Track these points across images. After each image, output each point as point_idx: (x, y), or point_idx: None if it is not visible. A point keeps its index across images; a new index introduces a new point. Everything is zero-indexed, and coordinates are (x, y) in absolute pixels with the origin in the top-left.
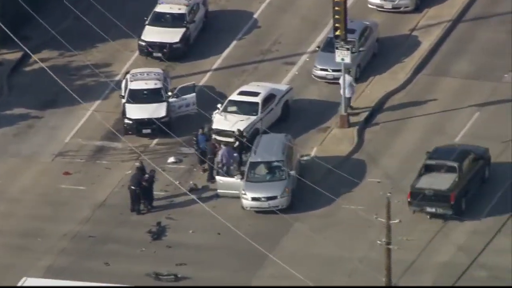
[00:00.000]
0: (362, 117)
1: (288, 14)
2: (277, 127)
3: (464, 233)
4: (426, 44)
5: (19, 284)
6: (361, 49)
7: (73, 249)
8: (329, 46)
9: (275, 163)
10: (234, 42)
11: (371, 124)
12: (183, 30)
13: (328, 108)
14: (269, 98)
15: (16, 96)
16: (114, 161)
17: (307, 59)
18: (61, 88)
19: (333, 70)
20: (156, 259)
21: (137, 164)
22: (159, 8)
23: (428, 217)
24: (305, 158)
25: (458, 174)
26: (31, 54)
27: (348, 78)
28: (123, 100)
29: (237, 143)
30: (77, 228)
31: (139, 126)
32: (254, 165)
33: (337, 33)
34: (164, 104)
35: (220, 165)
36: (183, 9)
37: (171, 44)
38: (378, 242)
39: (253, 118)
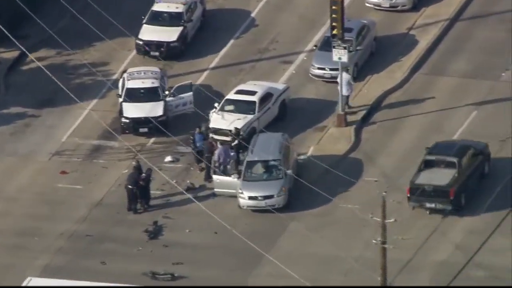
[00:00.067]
0: (359, 116)
1: (285, 13)
2: (274, 126)
3: (462, 232)
4: (423, 43)
5: (24, 284)
6: (358, 48)
7: (70, 248)
8: (326, 45)
9: (272, 162)
10: (232, 41)
11: (368, 123)
12: (180, 29)
13: (326, 107)
14: (266, 97)
15: (13, 95)
16: (111, 160)
17: (305, 58)
18: (58, 87)
19: (331, 69)
20: (153, 258)
21: (134, 163)
22: (157, 7)
23: (428, 212)
24: (302, 157)
25: (457, 170)
26: (28, 53)
27: (346, 76)
28: (120, 99)
29: (236, 141)
30: (74, 227)
31: (136, 125)
32: (251, 164)
33: (334, 32)
34: (161, 103)
35: (217, 164)
36: (180, 8)
37: (168, 43)
38: (374, 241)
39: (250, 117)
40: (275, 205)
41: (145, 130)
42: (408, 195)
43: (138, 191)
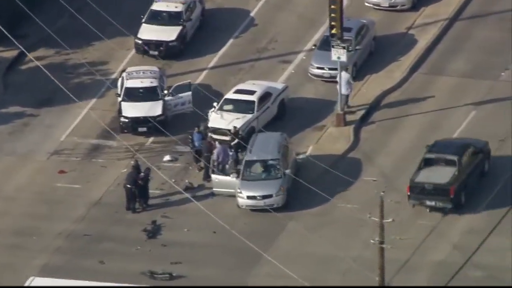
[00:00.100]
0: (358, 115)
1: (284, 12)
2: (273, 126)
3: (460, 231)
4: (422, 42)
5: (26, 283)
6: (357, 47)
7: (68, 247)
8: (325, 45)
9: (271, 162)
10: (231, 41)
11: (367, 123)
12: (179, 28)
13: (325, 107)
14: (265, 96)
15: (12, 94)
16: (109, 160)
17: (304, 58)
18: (57, 86)
19: (330, 69)
20: (151, 258)
21: (133, 162)
22: (156, 6)
23: (428, 210)
24: (300, 156)
25: (457, 168)
26: (26, 53)
27: (346, 75)
28: (119, 99)
29: (236, 140)
30: (72, 226)
31: (135, 124)
32: (249, 163)
33: (333, 31)
34: (160, 103)
35: (215, 164)
36: (179, 7)
37: (167, 42)
38: (371, 241)
39: (249, 116)
40: (273, 204)
41: (144, 129)
42: (408, 193)
43: (137, 190)
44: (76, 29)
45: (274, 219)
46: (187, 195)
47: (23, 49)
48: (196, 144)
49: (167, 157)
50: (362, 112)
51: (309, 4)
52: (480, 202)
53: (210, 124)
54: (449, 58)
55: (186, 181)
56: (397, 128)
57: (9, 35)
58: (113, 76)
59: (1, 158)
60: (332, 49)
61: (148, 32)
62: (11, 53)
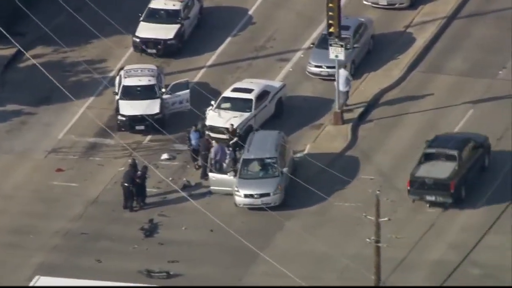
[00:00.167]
0: (356, 114)
1: (283, 11)
2: (270, 124)
3: (458, 229)
4: (420, 41)
5: (32, 283)
6: (355, 45)
7: (65, 246)
8: (323, 43)
9: (268, 160)
10: (229, 39)
11: (365, 121)
12: (177, 26)
13: (322, 105)
14: (263, 95)
15: (10, 92)
16: (107, 158)
17: (302, 56)
18: (55, 84)
19: (328, 67)
20: (149, 256)
21: (130, 161)
22: (154, 4)
23: (428, 205)
24: (298, 155)
25: (458, 163)
26: (24, 51)
27: (345, 72)
28: (117, 97)
29: (235, 138)
30: (69, 225)
31: (133, 122)
32: (247, 162)
33: (331, 30)
34: (158, 101)
35: (213, 162)
36: (177, 5)
37: (165, 40)
38: (367, 240)
39: (246, 115)
40: (271, 203)
41: (142, 127)
42: (408, 187)
43: (134, 189)
44: (74, 27)
45: (272, 218)
46: (184, 194)
47: (20, 48)
48: (193, 142)
49: (164, 156)
50: (360, 111)
51: (308, 2)
52: (480, 197)
53: (207, 122)
54: (447, 57)
55: (184, 179)
56: (395, 126)
57: (6, 34)
58: (111, 74)
59: None
60: (330, 47)
61: (146, 30)
62: (9, 51)
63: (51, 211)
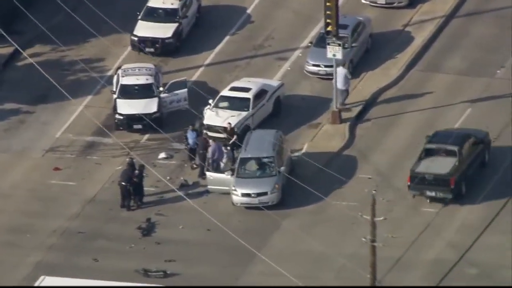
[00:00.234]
0: (354, 113)
1: (281, 9)
2: (268, 123)
3: (455, 229)
4: (419, 40)
5: (37, 283)
6: (353, 44)
7: (62, 245)
8: (321, 42)
9: (266, 159)
10: (227, 38)
11: (363, 120)
12: (175, 25)
13: (320, 104)
14: (261, 93)
15: (8, 91)
16: (104, 157)
17: (300, 55)
18: (53, 83)
19: (326, 66)
20: (146, 255)
21: (128, 160)
22: (152, 3)
23: (428, 201)
24: (296, 154)
25: (458, 158)
26: (21, 50)
27: (343, 70)
28: (115, 96)
29: (234, 137)
30: (67, 224)
31: (130, 121)
32: (244, 161)
33: (329, 28)
34: (156, 100)
35: (210, 161)
36: (175, 4)
37: (163, 39)
38: (363, 239)
39: (244, 113)
40: (268, 202)
41: (139, 126)
42: (409, 183)
43: (132, 187)
44: (73, 25)
45: (269, 217)
46: (181, 193)
47: (17, 47)
48: (190, 142)
49: (162, 155)
50: (357, 110)
51: (306, 1)
52: (480, 193)
53: (205, 121)
54: (446, 56)
55: (181, 178)
56: (393, 125)
57: (3, 33)
58: (109, 73)
59: None
60: (328, 46)
61: (144, 29)
62: (7, 50)
63: (48, 210)
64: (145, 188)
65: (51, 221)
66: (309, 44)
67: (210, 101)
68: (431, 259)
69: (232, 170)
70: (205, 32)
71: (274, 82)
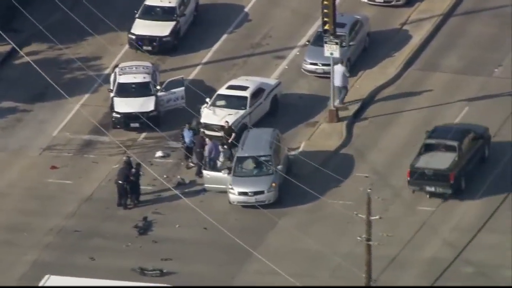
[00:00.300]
0: (351, 111)
1: (279, 8)
2: (265, 122)
3: (452, 227)
4: (416, 38)
5: (42, 282)
6: (351, 43)
7: (59, 243)
8: (319, 40)
9: (262, 158)
10: (225, 36)
11: (360, 119)
12: (173, 23)
13: (318, 103)
14: (258, 92)
15: (5, 89)
16: (101, 155)
17: (298, 53)
18: (50, 81)
19: (323, 64)
20: (142, 254)
21: (125, 158)
22: (149, 1)
23: (428, 196)
24: (293, 153)
25: (457, 153)
26: (17, 49)
27: (341, 68)
28: (112, 94)
29: (233, 136)
30: (63, 222)
31: (127, 120)
32: (241, 159)
33: (326, 27)
34: (153, 98)
35: (207, 160)
36: (173, 2)
37: (161, 37)
38: (358, 238)
39: (241, 112)
40: (265, 201)
41: (136, 125)
42: (408, 178)
43: (129, 186)
44: (70, 23)
45: (266, 216)
46: (177, 192)
47: (14, 45)
48: (187, 140)
49: (159, 153)
50: (355, 108)
51: None
52: (479, 188)
53: (202, 120)
54: (443, 54)
55: (178, 177)
56: (390, 124)
57: (0, 31)
58: (106, 72)
59: None
60: (325, 45)
61: (142, 27)
62: (4, 48)
63: (45, 209)
64: (141, 187)
65: (48, 219)
66: (307, 43)
67: (207, 99)
68: (427, 257)
69: (229, 169)
70: (203, 31)
71: (272, 81)
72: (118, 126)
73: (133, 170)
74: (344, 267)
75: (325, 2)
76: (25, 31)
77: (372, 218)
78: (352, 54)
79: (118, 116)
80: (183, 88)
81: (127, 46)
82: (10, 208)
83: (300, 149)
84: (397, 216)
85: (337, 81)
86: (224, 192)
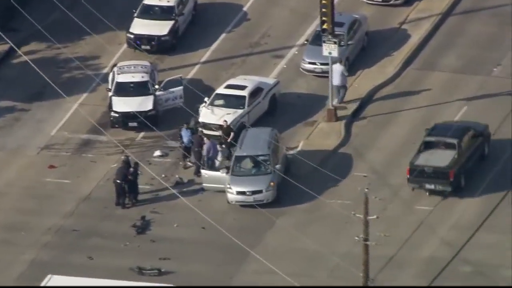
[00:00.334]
0: (349, 111)
1: (277, 7)
2: (264, 121)
3: (450, 226)
4: (415, 37)
5: (44, 282)
6: (349, 42)
7: (57, 243)
8: (317, 40)
9: (261, 157)
10: (223, 35)
11: (359, 118)
12: (171, 22)
13: (316, 102)
14: (256, 91)
15: (3, 88)
16: (99, 154)
17: (296, 52)
18: (48, 81)
19: (322, 64)
20: (140, 253)
21: (123, 157)
22: (148, 1)
23: (427, 194)
24: (291, 152)
25: (457, 151)
26: (15, 48)
27: (340, 67)
28: (110, 93)
29: (232, 135)
30: (61, 222)
31: (126, 119)
32: (239, 159)
33: (324, 26)
34: (151, 97)
35: (205, 159)
36: (172, 2)
37: (159, 36)
38: (356, 238)
39: (240, 111)
40: (263, 200)
41: (135, 124)
42: (408, 176)
43: (127, 185)
44: (69, 23)
45: (264, 215)
46: (174, 191)
47: (12, 45)
48: (185, 140)
49: (157, 152)
50: (353, 107)
51: None
52: (479, 186)
53: (201, 119)
54: (442, 54)
55: (177, 176)
56: (389, 123)
57: None
58: (105, 71)
59: None
60: (323, 44)
61: (140, 26)
62: (2, 47)
63: (43, 208)
64: (140, 186)
65: (46, 219)
66: (305, 42)
67: (206, 99)
68: (425, 257)
69: (227, 168)
70: (201, 30)
71: (270, 80)
72: (117, 125)
73: (131, 169)
74: (342, 267)
75: (323, 1)
76: (24, 30)
77: (370, 218)
78: (350, 54)
79: (117, 115)
80: (181, 87)
81: (125, 45)
82: (8, 207)
83: (299, 149)
84: (396, 215)
85: (336, 80)
86: (222, 191)
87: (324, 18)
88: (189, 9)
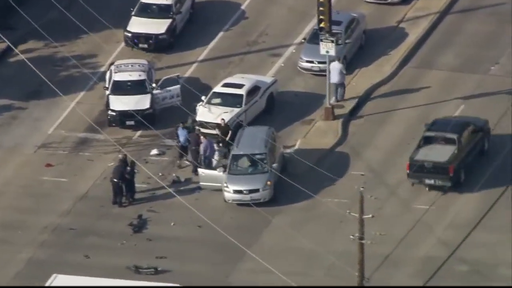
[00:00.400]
0: (347, 109)
1: (275, 5)
2: (261, 119)
3: (447, 225)
4: (412, 36)
5: (49, 281)
6: (347, 41)
7: (54, 241)
8: (315, 38)
9: (258, 156)
10: (221, 34)
11: (356, 117)
12: (169, 21)
13: (313, 101)
14: (254, 90)
15: (0, 87)
16: (96, 153)
17: (294, 51)
18: (46, 79)
19: (319, 62)
20: (137, 252)
21: (120, 156)
22: None
23: (427, 189)
24: (288, 150)
25: (457, 146)
26: (12, 47)
27: (339, 65)
28: (107, 92)
29: (229, 133)
30: (58, 220)
31: (123, 118)
32: (236, 157)
33: (322, 25)
34: (148, 96)
35: (202, 158)
36: (169, 0)
37: (157, 35)
38: (351, 236)
39: (237, 110)
40: (260, 199)
41: (132, 123)
42: (408, 171)
43: (124, 184)
44: (66, 21)
45: (261, 214)
46: (171, 190)
47: (9, 43)
48: (181, 139)
49: (154, 151)
50: (351, 106)
51: None
52: (479, 181)
53: (198, 118)
54: (439, 52)
55: (174, 175)
56: (386, 122)
57: None
58: (102, 69)
59: None
60: (321, 42)
61: (138, 25)
62: None
63: (40, 207)
64: (136, 185)
65: (43, 217)
66: (303, 41)
67: (203, 97)
68: (421, 256)
69: (224, 167)
70: (199, 28)
71: (268, 79)
72: (114, 124)
73: (128, 168)
74: (338, 266)
75: (321, 0)
76: (21, 29)
77: (365, 216)
78: (348, 52)
79: (114, 114)
80: (178, 86)
81: (123, 44)
82: (4, 206)
83: (296, 147)
84: (392, 214)
85: (334, 78)
86: (219, 190)
87: (321, 17)
88: (187, 8)
